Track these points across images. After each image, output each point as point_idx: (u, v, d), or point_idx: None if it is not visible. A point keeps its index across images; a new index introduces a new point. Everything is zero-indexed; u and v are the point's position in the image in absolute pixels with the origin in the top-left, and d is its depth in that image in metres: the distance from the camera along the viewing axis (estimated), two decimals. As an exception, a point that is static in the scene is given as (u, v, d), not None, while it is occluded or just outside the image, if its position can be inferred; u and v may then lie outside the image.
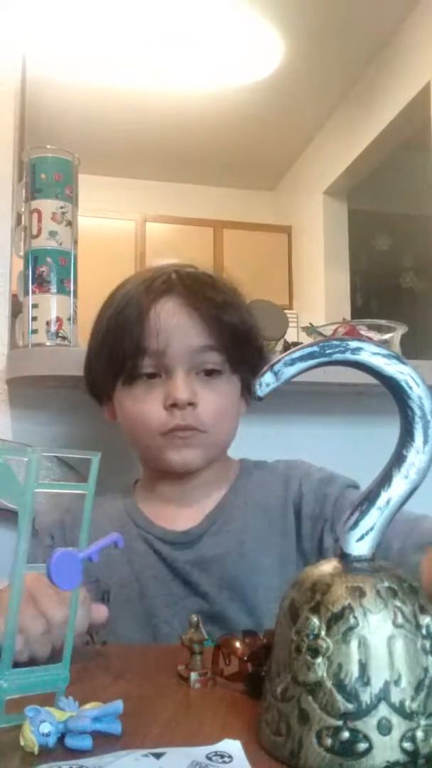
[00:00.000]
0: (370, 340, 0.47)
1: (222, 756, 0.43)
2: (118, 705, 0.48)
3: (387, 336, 1.38)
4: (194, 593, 0.87)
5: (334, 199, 4.79)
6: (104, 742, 0.46)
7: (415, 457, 0.46)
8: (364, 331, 1.36)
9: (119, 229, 4.98)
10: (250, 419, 0.99)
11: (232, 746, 0.44)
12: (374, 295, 5.24)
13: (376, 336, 1.36)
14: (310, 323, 1.52)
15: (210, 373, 0.88)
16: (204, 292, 0.88)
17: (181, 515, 0.92)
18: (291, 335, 1.74)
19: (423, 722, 0.41)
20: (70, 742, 0.46)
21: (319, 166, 4.84)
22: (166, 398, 0.86)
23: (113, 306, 0.91)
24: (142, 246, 4.99)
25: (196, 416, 0.86)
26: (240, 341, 0.89)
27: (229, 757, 0.43)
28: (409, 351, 1.46)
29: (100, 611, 0.71)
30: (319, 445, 1.17)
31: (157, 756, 0.42)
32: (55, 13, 3.44)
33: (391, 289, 5.27)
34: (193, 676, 0.59)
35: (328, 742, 0.41)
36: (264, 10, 3.56)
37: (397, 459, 0.47)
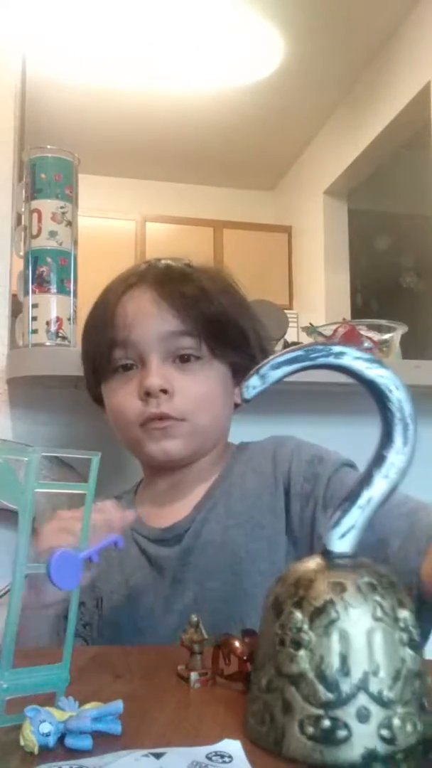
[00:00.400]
0: (353, 344, 0.49)
1: (222, 756, 0.43)
2: (118, 705, 0.48)
3: (387, 336, 1.38)
4: (183, 591, 0.85)
5: (334, 199, 4.80)
6: (104, 742, 0.46)
7: (395, 458, 0.48)
8: (364, 331, 1.36)
9: (119, 229, 4.98)
10: (250, 419, 0.99)
11: (232, 746, 0.44)
12: (374, 295, 5.24)
13: (376, 336, 1.36)
14: (310, 323, 1.52)
15: (186, 359, 0.86)
16: (173, 281, 0.87)
17: (172, 511, 0.90)
18: (291, 335, 1.74)
19: (399, 710, 0.43)
20: (70, 742, 0.46)
21: (319, 166, 4.84)
22: (139, 388, 0.84)
23: (92, 306, 0.92)
24: (142, 246, 4.99)
25: (171, 404, 0.84)
26: (218, 326, 0.87)
27: (229, 757, 0.43)
28: (409, 351, 1.47)
29: (128, 515, 0.73)
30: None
31: (157, 756, 0.42)
32: (56, 14, 3.44)
33: (391, 289, 5.28)
34: (193, 676, 0.59)
35: (310, 730, 0.43)
36: (264, 10, 3.56)
37: (378, 459, 0.49)
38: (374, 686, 0.43)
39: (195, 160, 5.10)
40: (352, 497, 0.49)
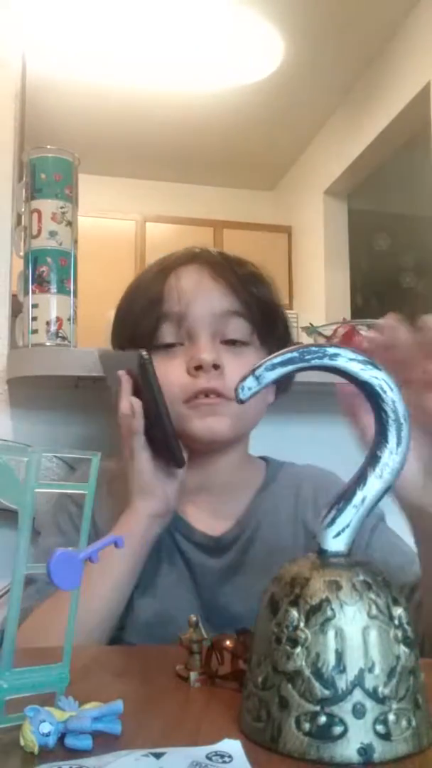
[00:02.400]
0: (352, 345, 0.50)
1: (222, 756, 0.43)
2: (118, 705, 0.48)
3: (387, 336, 1.38)
4: (225, 606, 0.83)
5: (334, 199, 4.80)
6: (104, 742, 0.46)
7: (389, 458, 0.49)
8: (364, 331, 1.36)
9: (119, 229, 4.98)
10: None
11: (232, 746, 0.44)
12: (374, 295, 5.24)
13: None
14: (310, 323, 1.53)
15: (234, 342, 0.84)
16: (229, 262, 0.85)
17: (212, 519, 0.88)
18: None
19: (395, 706, 0.44)
20: (70, 742, 0.46)
21: (319, 166, 4.84)
22: (189, 361, 0.81)
23: (135, 281, 0.88)
24: (142, 246, 4.99)
25: (222, 381, 0.80)
26: (268, 313, 0.85)
27: (229, 757, 0.43)
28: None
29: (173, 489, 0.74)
30: (319, 445, 1.17)
31: (157, 756, 0.42)
32: (56, 14, 3.44)
33: (391, 289, 5.28)
34: (192, 675, 0.59)
35: (306, 726, 0.43)
36: (264, 10, 3.56)
37: (372, 459, 0.49)
38: (369, 682, 0.44)
39: (195, 160, 5.10)
40: (346, 497, 0.49)
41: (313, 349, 0.48)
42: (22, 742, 0.45)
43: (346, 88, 4.29)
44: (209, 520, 0.88)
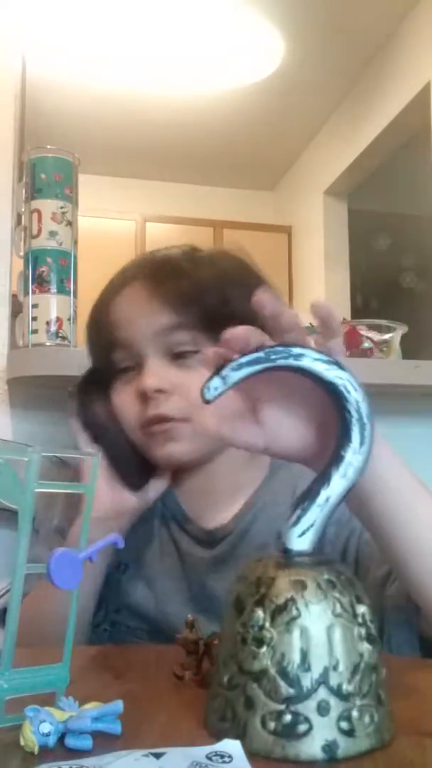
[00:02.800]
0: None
1: (222, 756, 0.43)
2: (118, 705, 0.48)
3: (387, 336, 1.38)
4: (212, 596, 0.83)
5: (334, 199, 4.80)
6: (104, 742, 0.46)
7: (353, 457, 0.50)
8: (364, 331, 1.36)
9: (119, 229, 4.98)
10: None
11: (232, 746, 0.44)
12: (374, 295, 5.24)
13: (376, 336, 1.36)
14: (310, 323, 1.52)
15: (183, 355, 0.81)
16: (167, 277, 0.83)
17: (211, 512, 0.87)
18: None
19: (358, 702, 0.45)
20: (70, 742, 0.46)
21: (319, 166, 4.84)
22: (137, 389, 0.81)
23: (91, 309, 0.90)
24: (142, 246, 4.99)
25: (169, 404, 0.79)
26: (217, 316, 0.79)
27: (229, 757, 0.43)
28: (409, 351, 1.47)
29: (126, 498, 0.73)
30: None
31: (157, 756, 0.42)
32: (56, 14, 3.44)
33: (391, 289, 5.28)
34: (188, 675, 0.59)
35: (272, 725, 0.44)
36: (264, 10, 3.56)
37: (336, 459, 0.50)
38: (334, 680, 0.44)
39: (195, 160, 5.10)
40: (310, 496, 0.50)
41: (279, 348, 0.50)
42: (22, 742, 0.45)
43: (346, 88, 4.29)
44: (209, 514, 0.88)
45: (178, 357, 0.82)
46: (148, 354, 0.82)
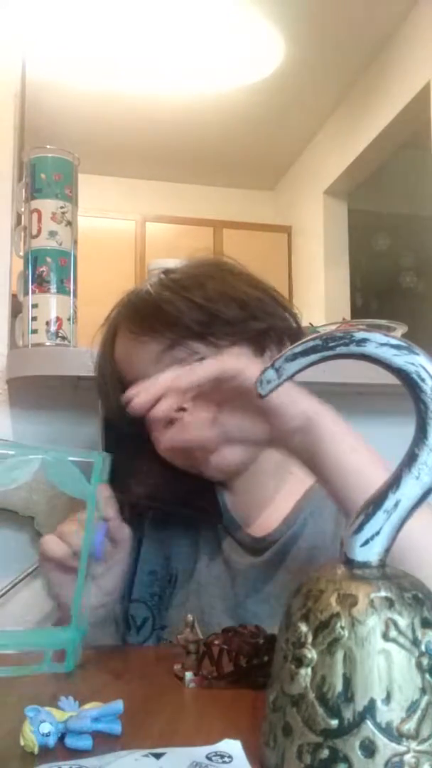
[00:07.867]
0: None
1: (222, 756, 0.43)
2: (118, 705, 0.48)
3: (387, 336, 1.38)
4: (260, 601, 0.84)
5: (334, 199, 4.79)
6: (104, 742, 0.46)
7: (428, 456, 0.42)
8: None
9: (119, 229, 4.98)
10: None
11: (232, 746, 0.44)
12: (374, 295, 5.24)
13: (376, 336, 1.36)
14: (310, 323, 1.52)
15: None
16: (148, 312, 0.85)
17: (259, 518, 0.88)
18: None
19: (414, 747, 0.37)
20: (70, 742, 0.46)
21: (319, 166, 4.84)
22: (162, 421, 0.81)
23: (95, 364, 0.92)
24: (142, 246, 4.99)
25: (182, 431, 0.79)
26: (206, 327, 0.82)
27: (229, 757, 0.43)
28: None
29: (122, 528, 0.74)
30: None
31: (157, 756, 0.42)
32: (56, 14, 3.44)
33: (391, 289, 5.28)
34: (188, 675, 0.59)
35: (308, 759, 0.38)
36: (264, 10, 3.56)
37: (409, 458, 0.43)
38: (382, 716, 0.37)
39: (195, 160, 5.10)
40: (377, 500, 0.43)
41: (338, 334, 0.43)
42: (22, 742, 0.45)
43: (346, 89, 4.28)
44: (256, 521, 0.89)
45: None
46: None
